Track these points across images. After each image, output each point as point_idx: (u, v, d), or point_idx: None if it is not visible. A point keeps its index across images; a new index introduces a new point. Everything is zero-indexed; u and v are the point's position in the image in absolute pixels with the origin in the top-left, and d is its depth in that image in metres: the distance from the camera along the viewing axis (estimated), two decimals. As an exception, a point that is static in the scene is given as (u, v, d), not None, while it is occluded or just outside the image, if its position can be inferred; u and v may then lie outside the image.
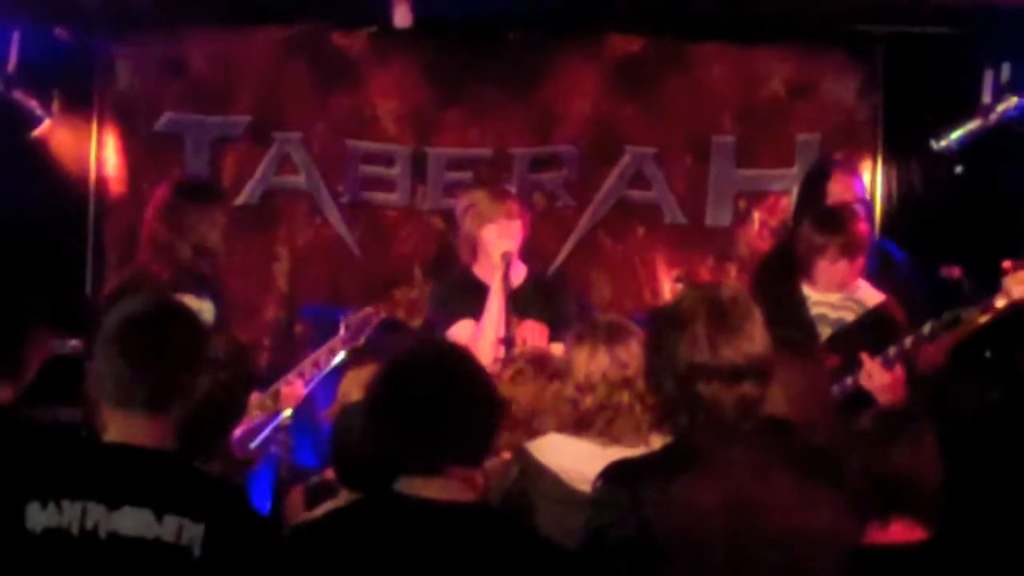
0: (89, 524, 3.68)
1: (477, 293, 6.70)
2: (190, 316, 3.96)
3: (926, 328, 6.07)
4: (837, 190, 7.11)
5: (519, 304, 6.60)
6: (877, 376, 5.98)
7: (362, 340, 6.77)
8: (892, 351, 6.06)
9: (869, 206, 7.30)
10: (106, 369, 3.80)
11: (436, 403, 3.70)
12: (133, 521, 3.66)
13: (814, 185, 7.23)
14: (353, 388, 5.37)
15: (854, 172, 7.44)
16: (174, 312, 3.93)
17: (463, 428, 3.72)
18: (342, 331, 6.80)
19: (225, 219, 6.65)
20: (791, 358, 4.37)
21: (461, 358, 3.86)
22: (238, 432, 6.12)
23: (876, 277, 6.74)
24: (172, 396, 3.80)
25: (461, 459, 3.73)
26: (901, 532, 4.36)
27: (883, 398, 5.83)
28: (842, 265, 6.60)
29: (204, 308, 6.47)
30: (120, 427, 3.79)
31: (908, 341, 6.08)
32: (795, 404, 4.31)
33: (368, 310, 6.97)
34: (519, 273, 6.80)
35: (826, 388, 4.92)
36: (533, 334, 6.58)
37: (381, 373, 3.84)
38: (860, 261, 6.63)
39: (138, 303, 3.90)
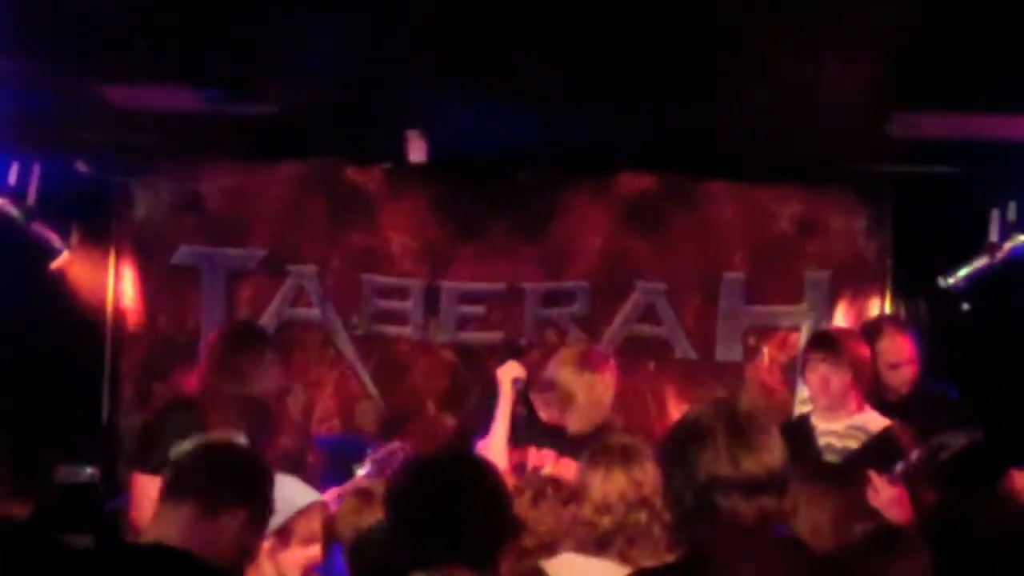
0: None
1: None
2: None
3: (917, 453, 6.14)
4: (888, 348, 7.10)
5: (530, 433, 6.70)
6: (884, 491, 6.00)
7: (388, 474, 6.77)
8: (899, 467, 6.09)
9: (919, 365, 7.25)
10: None
11: (453, 503, 3.76)
12: None
13: (867, 341, 7.07)
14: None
15: (906, 331, 7.34)
16: None
17: (476, 530, 3.77)
18: (368, 465, 6.76)
19: (273, 360, 6.57)
20: (823, 486, 4.41)
21: (484, 466, 3.94)
22: None
23: (935, 419, 6.70)
24: None
25: (470, 561, 3.77)
26: None
27: (890, 514, 5.84)
28: (824, 372, 6.67)
29: None
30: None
31: (915, 456, 6.11)
32: (825, 532, 4.35)
33: (395, 444, 6.94)
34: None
35: (854, 516, 4.94)
36: (542, 461, 6.61)
37: (408, 469, 3.95)
38: (849, 378, 6.66)
39: None
